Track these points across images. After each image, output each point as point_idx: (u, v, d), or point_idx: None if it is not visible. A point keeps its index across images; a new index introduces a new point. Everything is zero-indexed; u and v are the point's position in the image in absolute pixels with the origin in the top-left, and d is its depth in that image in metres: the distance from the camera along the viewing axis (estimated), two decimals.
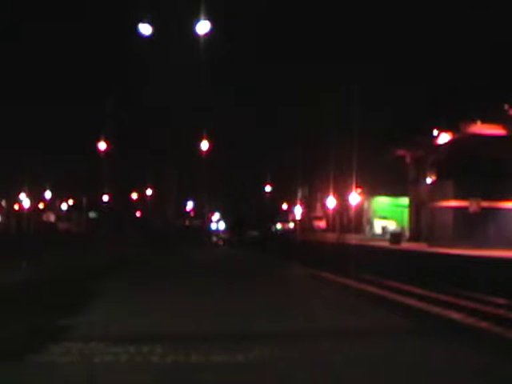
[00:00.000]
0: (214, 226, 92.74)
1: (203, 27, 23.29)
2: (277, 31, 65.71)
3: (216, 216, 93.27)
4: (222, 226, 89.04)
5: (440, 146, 39.25)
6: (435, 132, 39.32)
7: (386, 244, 37.58)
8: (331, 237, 47.48)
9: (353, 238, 42.62)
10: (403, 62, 45.60)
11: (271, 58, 65.03)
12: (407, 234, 45.88)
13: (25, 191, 67.34)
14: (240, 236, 78.47)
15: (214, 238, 75.55)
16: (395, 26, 48.44)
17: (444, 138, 38.79)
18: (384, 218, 55.02)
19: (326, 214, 65.69)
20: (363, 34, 51.01)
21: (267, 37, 68.17)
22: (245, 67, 63.67)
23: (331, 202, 55.22)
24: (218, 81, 57.57)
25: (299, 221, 68.71)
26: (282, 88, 67.41)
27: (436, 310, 16.96)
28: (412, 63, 44.09)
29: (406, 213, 48.97)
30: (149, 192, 76.43)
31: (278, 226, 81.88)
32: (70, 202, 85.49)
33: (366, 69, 46.18)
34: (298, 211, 68.96)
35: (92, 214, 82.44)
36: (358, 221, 56.19)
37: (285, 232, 72.87)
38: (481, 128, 36.51)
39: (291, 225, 75.46)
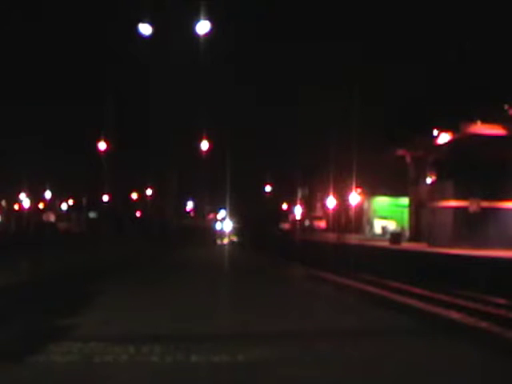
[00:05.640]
0: (218, 226, 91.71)
1: (203, 27, 23.30)
2: (276, 30, 65.65)
3: (221, 214, 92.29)
4: (227, 224, 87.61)
5: (440, 145, 39.24)
6: (435, 132, 39.30)
7: (386, 244, 37.58)
8: (331, 237, 47.48)
9: (353, 238, 42.62)
10: (403, 61, 45.58)
11: (271, 58, 64.95)
12: (407, 233, 45.86)
13: (25, 191, 67.37)
14: (242, 237, 78.53)
15: (218, 241, 74.88)
16: (396, 24, 48.42)
17: (444, 137, 38.78)
18: (384, 217, 55.00)
19: (326, 214, 65.69)
20: (363, 33, 51.00)
21: (267, 36, 68.15)
22: (244, 66, 63.64)
23: (331, 201, 55.23)
24: (218, 80, 57.55)
25: (299, 221, 68.72)
26: (282, 88, 67.45)
27: (436, 309, 16.97)
28: (412, 63, 44.05)
29: (405, 213, 48.96)
30: (149, 192, 76.47)
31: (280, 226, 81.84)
32: (70, 202, 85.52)
33: (366, 68, 46.17)
34: (298, 211, 68.98)
35: (92, 214, 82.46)
36: (358, 221, 56.16)
37: (285, 232, 72.86)
38: (481, 128, 36.49)
39: (291, 225, 75.48)
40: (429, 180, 41.59)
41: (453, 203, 36.04)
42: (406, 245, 37.14)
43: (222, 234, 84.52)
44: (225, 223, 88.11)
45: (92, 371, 7.56)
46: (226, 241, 76.79)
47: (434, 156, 40.85)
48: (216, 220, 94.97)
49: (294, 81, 62.14)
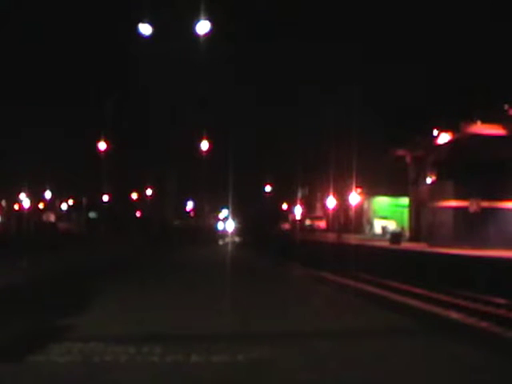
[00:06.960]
0: (220, 226, 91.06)
1: (203, 27, 23.29)
2: (276, 30, 65.70)
3: (223, 214, 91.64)
4: (230, 224, 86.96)
5: (440, 145, 39.22)
6: (435, 132, 39.30)
7: (385, 244, 37.57)
8: (331, 237, 47.48)
9: (353, 238, 42.60)
10: (403, 62, 45.64)
11: (271, 59, 65.01)
12: (407, 234, 45.85)
13: (25, 191, 67.34)
14: (243, 237, 78.51)
15: (220, 241, 74.50)
16: (396, 24, 48.47)
17: (444, 137, 38.76)
18: (384, 217, 55.00)
19: (326, 214, 65.68)
20: (363, 33, 51.04)
21: (267, 36, 68.17)
22: (244, 66, 63.69)
23: (331, 201, 55.23)
24: (218, 80, 57.57)
25: (299, 221, 68.72)
26: (282, 88, 67.47)
27: (436, 309, 16.99)
28: (412, 63, 44.11)
29: (405, 213, 48.95)
30: (149, 192, 76.45)
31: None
32: (70, 202, 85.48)
33: (366, 69, 46.23)
34: (298, 211, 68.96)
35: (92, 214, 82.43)
36: (358, 221, 56.18)
37: (285, 232, 72.88)
38: (481, 128, 36.46)
39: (291, 225, 75.47)
40: (429, 180, 41.56)
41: (453, 203, 36.01)
42: (405, 245, 37.12)
43: (223, 233, 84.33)
44: (227, 223, 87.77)
45: (92, 371, 7.56)
46: (227, 241, 76.69)
47: (434, 156, 40.82)
48: (217, 220, 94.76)
49: (294, 81, 62.16)
